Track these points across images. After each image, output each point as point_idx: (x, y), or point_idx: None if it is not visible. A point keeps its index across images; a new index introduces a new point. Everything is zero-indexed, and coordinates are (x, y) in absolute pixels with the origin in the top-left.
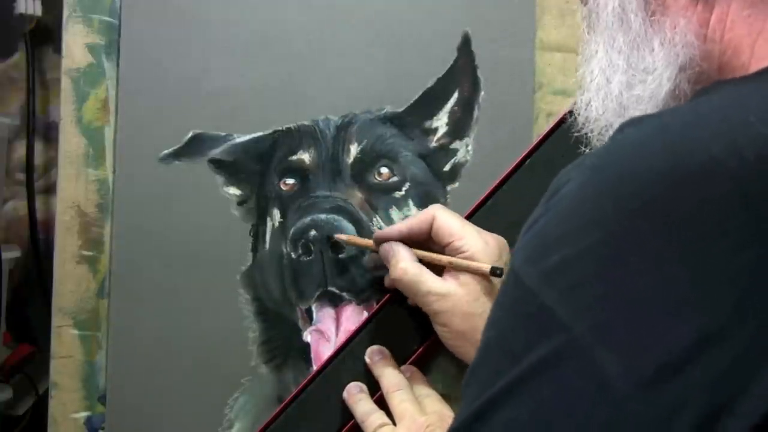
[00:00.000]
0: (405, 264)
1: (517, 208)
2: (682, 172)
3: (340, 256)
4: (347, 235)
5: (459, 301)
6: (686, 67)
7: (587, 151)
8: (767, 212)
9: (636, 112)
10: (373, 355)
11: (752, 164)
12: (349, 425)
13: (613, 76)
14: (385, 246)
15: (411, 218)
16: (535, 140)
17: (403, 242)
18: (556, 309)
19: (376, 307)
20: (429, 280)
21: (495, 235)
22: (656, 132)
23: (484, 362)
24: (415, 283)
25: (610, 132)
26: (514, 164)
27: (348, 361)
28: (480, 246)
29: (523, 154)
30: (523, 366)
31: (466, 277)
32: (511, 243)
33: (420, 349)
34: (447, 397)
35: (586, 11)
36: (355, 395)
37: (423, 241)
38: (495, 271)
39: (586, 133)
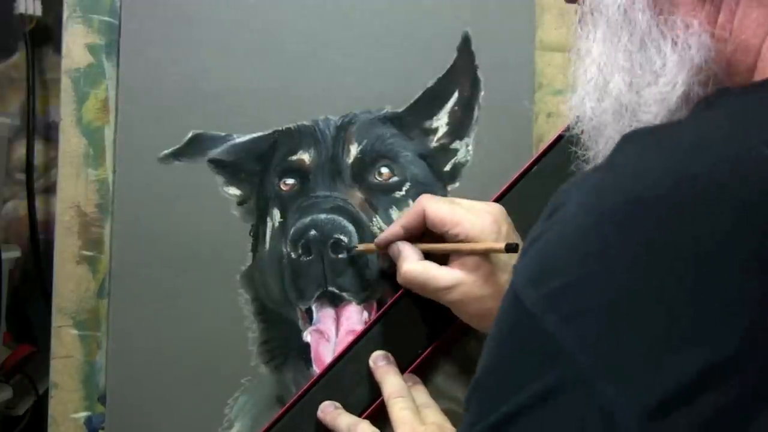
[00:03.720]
0: (408, 266)
1: (521, 216)
2: (686, 200)
3: (340, 256)
4: (363, 245)
5: (470, 287)
6: (700, 70)
7: (577, 151)
8: None
9: (644, 115)
10: (377, 359)
11: (757, 190)
12: (371, 409)
13: (612, 75)
14: (392, 247)
15: (404, 215)
16: (540, 148)
17: (407, 238)
18: (559, 336)
19: (378, 307)
20: (436, 276)
21: (489, 204)
22: (659, 155)
23: (485, 383)
24: (423, 282)
25: (604, 132)
26: (519, 172)
27: (351, 364)
28: (476, 226)
29: (529, 162)
30: (525, 395)
31: (471, 261)
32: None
33: (425, 353)
34: (447, 411)
35: (583, 8)
36: (332, 412)
37: (422, 235)
38: (510, 247)
39: (576, 133)
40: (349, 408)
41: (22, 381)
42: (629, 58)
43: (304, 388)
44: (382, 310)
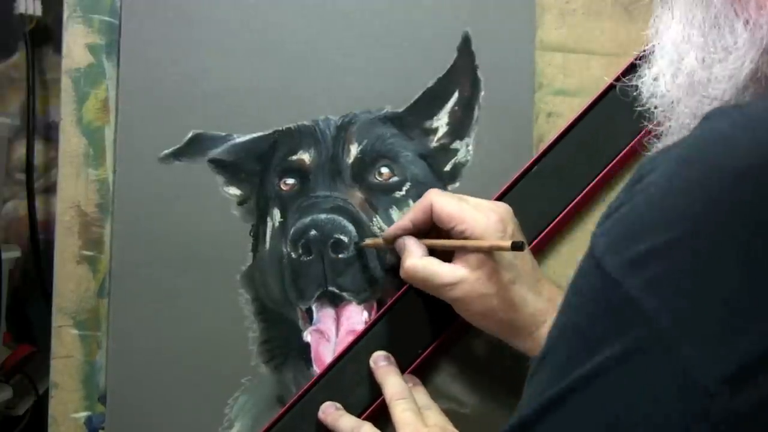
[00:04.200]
0: (412, 261)
1: (524, 213)
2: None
3: (340, 256)
4: (371, 239)
5: (473, 285)
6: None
7: (649, 126)
8: None
9: (713, 91)
10: (378, 359)
11: None
12: (373, 407)
13: (687, 52)
14: (398, 242)
15: (412, 209)
16: (544, 145)
17: (415, 233)
18: (640, 300)
19: (379, 307)
20: (439, 272)
21: (496, 203)
22: (745, 127)
23: (557, 350)
24: (426, 278)
25: (677, 109)
26: (522, 170)
27: (351, 364)
28: (481, 224)
29: (532, 159)
30: (604, 355)
31: (475, 259)
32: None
33: (425, 353)
34: (447, 411)
35: None
36: (333, 413)
37: (430, 229)
38: (516, 245)
39: (649, 108)
40: (350, 408)
41: (22, 381)
42: (703, 35)
43: (305, 388)
44: (383, 309)
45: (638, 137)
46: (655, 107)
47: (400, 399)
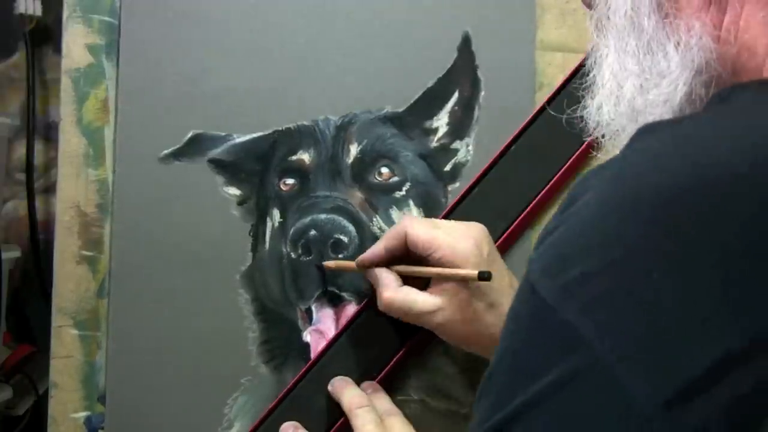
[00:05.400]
0: (389, 294)
1: (502, 196)
2: (705, 190)
3: (340, 256)
4: (334, 261)
5: (451, 312)
6: (702, 71)
7: (599, 155)
8: None
9: (650, 116)
10: (333, 381)
11: None
12: (338, 424)
13: (625, 80)
14: (370, 273)
15: (385, 237)
16: (517, 129)
17: (389, 259)
18: (577, 325)
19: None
20: (417, 302)
21: (469, 225)
22: (676, 143)
23: (498, 378)
24: (404, 309)
25: (623, 136)
26: (497, 153)
27: (312, 384)
28: (457, 251)
29: (506, 143)
30: (543, 383)
31: (451, 285)
32: (494, 232)
33: (396, 358)
34: (447, 412)
35: (595, 15)
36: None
37: (405, 255)
38: (482, 276)
39: (597, 138)
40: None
41: (22, 381)
42: (638, 62)
43: (289, 385)
44: (347, 321)
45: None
46: (602, 136)
47: (358, 408)
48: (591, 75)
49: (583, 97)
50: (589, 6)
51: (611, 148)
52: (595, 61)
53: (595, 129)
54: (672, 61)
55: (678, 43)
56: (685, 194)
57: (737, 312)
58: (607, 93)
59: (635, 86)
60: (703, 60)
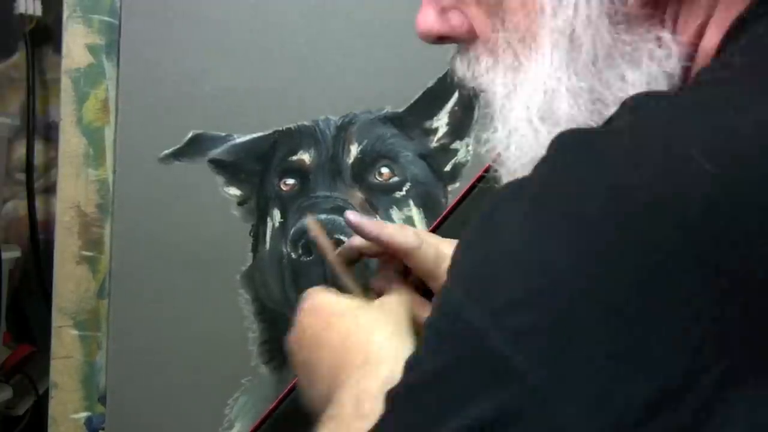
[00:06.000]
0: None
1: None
2: (628, 214)
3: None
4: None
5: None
6: (657, 82)
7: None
8: (717, 261)
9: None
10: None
11: (698, 211)
12: None
13: (561, 102)
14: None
15: (397, 232)
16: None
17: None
18: (507, 353)
19: None
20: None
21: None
22: (594, 164)
23: (423, 395)
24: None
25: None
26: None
27: None
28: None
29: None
30: (474, 415)
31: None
32: None
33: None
34: None
35: (510, 36)
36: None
37: (386, 256)
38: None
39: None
40: None
41: (22, 381)
42: (585, 80)
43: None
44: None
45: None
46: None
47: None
48: (497, 103)
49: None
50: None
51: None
52: (512, 86)
53: (498, 160)
54: (628, 76)
55: (632, 57)
56: (607, 223)
57: (670, 346)
58: (535, 115)
59: (577, 104)
60: (659, 70)
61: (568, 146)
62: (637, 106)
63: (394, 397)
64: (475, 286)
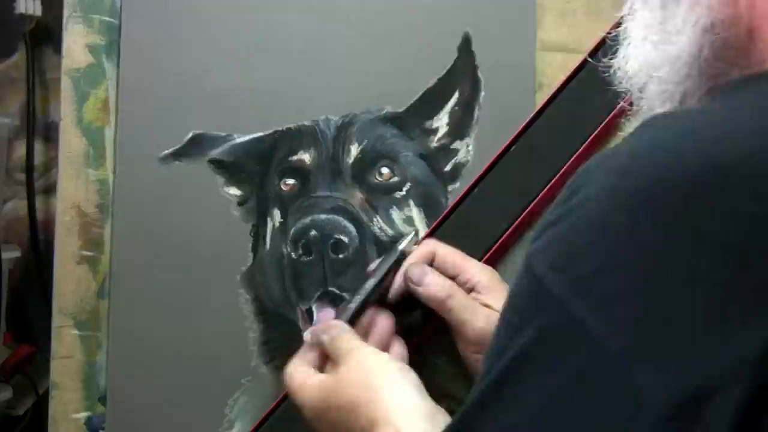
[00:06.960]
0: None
1: (502, 196)
2: (720, 187)
3: (340, 256)
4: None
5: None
6: (709, 30)
7: (629, 106)
8: None
9: (661, 72)
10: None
11: None
12: None
13: (647, 34)
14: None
15: (415, 253)
16: (517, 129)
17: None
18: (588, 322)
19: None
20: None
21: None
22: (688, 137)
23: (504, 376)
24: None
25: (644, 101)
26: (497, 153)
27: None
28: (487, 277)
29: (506, 143)
30: (553, 381)
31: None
32: (494, 232)
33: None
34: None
35: None
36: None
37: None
38: None
39: (626, 90)
40: None
41: (22, 381)
42: (654, 17)
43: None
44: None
45: (612, 115)
46: (629, 87)
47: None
48: (622, 27)
49: (613, 46)
50: None
51: (636, 101)
52: (628, 14)
53: (622, 81)
54: (680, 18)
55: (691, 4)
56: (699, 192)
57: (749, 316)
58: (633, 45)
59: (654, 41)
60: (709, 19)
61: (659, 120)
62: (739, 87)
63: (483, 389)
64: (560, 258)
